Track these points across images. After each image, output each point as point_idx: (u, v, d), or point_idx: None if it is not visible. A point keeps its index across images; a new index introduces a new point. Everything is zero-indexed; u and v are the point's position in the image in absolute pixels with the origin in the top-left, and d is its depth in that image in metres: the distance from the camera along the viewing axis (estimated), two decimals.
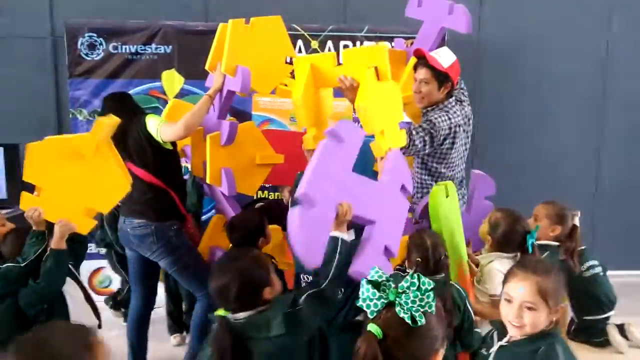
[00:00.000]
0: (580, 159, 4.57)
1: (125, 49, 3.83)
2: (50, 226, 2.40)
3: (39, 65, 4.10)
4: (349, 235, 1.91)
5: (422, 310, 1.15)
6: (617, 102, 4.52)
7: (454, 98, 2.77)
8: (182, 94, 3.63)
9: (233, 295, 1.71)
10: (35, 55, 4.09)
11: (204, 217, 3.52)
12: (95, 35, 3.79)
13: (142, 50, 3.84)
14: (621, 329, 3.31)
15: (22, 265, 2.34)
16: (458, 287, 2.26)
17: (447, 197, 2.45)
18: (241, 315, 1.71)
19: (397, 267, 2.43)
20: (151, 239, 2.66)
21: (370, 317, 1.17)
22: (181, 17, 3.95)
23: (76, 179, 2.36)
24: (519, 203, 2.69)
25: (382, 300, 1.17)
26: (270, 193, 3.95)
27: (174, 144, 2.72)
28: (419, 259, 2.20)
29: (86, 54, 3.80)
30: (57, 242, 2.33)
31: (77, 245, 2.54)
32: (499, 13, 4.36)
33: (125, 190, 2.45)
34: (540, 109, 4.48)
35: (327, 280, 1.79)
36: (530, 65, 4.43)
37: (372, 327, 1.14)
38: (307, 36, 3.94)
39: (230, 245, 2.69)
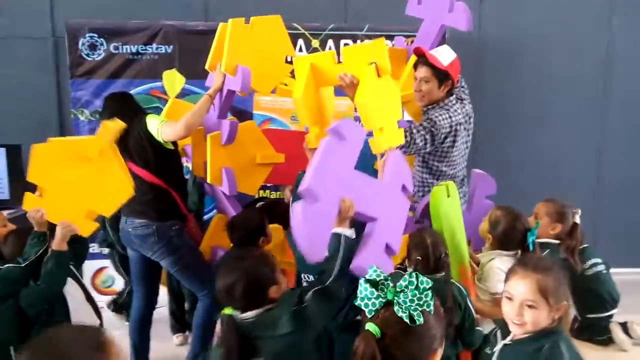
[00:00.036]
0: (581, 158, 4.55)
1: (126, 49, 3.84)
2: (51, 227, 2.41)
3: (40, 65, 4.10)
4: (351, 232, 1.91)
5: (420, 309, 1.15)
6: (618, 101, 4.50)
7: (454, 96, 2.76)
8: (183, 94, 3.63)
9: (239, 294, 1.71)
10: (37, 55, 4.10)
11: (205, 217, 3.53)
12: (96, 35, 3.79)
13: (143, 50, 3.84)
14: (624, 327, 3.30)
15: (22, 265, 2.34)
16: (459, 285, 2.26)
17: (448, 197, 2.44)
18: (249, 314, 1.71)
19: (398, 266, 2.43)
20: (152, 238, 2.66)
21: (369, 316, 1.16)
22: (182, 17, 3.95)
23: (80, 182, 2.37)
24: (520, 202, 2.68)
25: (380, 299, 1.17)
26: (272, 192, 3.95)
27: (175, 143, 2.72)
28: (419, 258, 2.20)
29: (87, 55, 3.81)
30: (58, 243, 2.34)
31: (78, 246, 2.54)
32: (500, 11, 4.34)
33: (128, 194, 2.46)
34: (541, 108, 4.47)
35: (331, 277, 1.79)
36: (531, 64, 4.42)
37: (370, 326, 1.14)
38: (308, 35, 3.94)
39: (231, 244, 2.69)
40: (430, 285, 1.17)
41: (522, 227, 2.50)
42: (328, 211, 1.92)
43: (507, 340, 1.70)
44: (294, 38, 3.40)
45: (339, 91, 2.49)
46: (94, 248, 3.59)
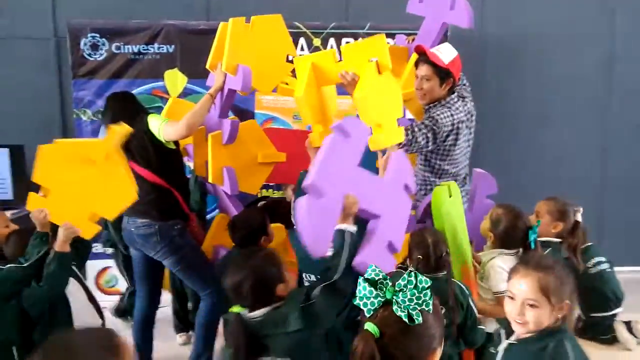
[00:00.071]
0: (582, 157, 4.54)
1: (128, 49, 3.85)
2: (53, 228, 2.41)
3: (42, 66, 4.12)
4: (354, 229, 1.91)
5: (419, 308, 1.14)
6: (619, 100, 4.49)
7: (456, 94, 2.75)
8: (184, 93, 3.64)
9: (247, 291, 1.72)
10: (39, 56, 4.12)
11: (208, 216, 3.53)
12: (97, 35, 3.80)
13: (144, 50, 3.85)
14: (629, 325, 3.28)
15: (24, 265, 2.35)
16: (461, 284, 2.25)
17: (450, 197, 2.44)
18: (257, 313, 1.73)
19: (399, 265, 2.42)
20: (155, 238, 2.67)
21: (367, 315, 1.16)
22: (183, 16, 3.96)
23: (84, 184, 2.37)
24: (521, 202, 2.66)
25: (379, 298, 1.16)
26: (275, 192, 3.95)
27: (177, 143, 2.72)
28: (420, 257, 2.20)
29: (89, 55, 3.81)
30: (61, 245, 2.34)
31: (80, 246, 2.54)
32: (501, 10, 4.33)
33: (131, 199, 2.45)
34: (542, 107, 4.46)
35: (338, 273, 1.79)
36: (533, 63, 4.41)
37: (369, 326, 1.14)
38: (309, 34, 3.93)
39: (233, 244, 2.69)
40: (429, 284, 1.16)
41: (524, 226, 2.48)
42: (332, 207, 1.92)
43: (512, 340, 1.69)
44: (295, 37, 3.40)
45: (342, 90, 2.49)
46: (97, 248, 3.60)
